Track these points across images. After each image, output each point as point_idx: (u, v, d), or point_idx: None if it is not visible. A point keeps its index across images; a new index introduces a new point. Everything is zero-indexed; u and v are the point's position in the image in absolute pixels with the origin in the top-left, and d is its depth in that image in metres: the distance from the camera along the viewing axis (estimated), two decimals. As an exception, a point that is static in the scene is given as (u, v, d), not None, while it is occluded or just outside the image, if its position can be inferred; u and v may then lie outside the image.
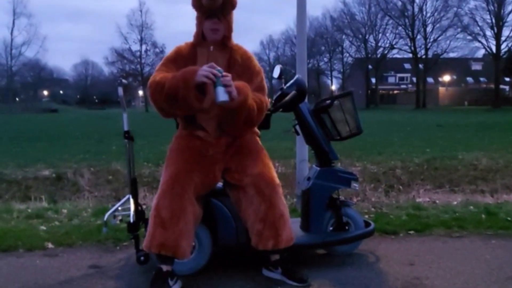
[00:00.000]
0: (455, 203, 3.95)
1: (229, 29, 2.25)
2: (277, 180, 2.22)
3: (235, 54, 2.27)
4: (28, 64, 55.91)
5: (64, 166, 7.28)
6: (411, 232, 3.08)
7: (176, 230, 2.03)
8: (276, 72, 2.71)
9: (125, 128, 2.54)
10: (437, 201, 4.12)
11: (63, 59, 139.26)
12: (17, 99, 58.36)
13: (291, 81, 2.68)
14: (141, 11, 50.62)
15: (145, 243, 2.09)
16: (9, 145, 11.04)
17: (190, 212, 2.09)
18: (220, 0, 2.13)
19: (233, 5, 2.23)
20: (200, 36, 2.26)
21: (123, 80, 2.71)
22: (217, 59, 2.20)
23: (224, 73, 2.03)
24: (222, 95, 1.99)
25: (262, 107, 2.22)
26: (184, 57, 2.24)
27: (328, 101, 2.65)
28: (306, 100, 2.68)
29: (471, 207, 3.71)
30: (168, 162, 2.22)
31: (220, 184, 2.40)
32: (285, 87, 2.66)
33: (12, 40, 51.49)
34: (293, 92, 2.57)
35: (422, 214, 3.48)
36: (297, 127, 2.72)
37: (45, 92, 68.96)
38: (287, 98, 2.56)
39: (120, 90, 2.53)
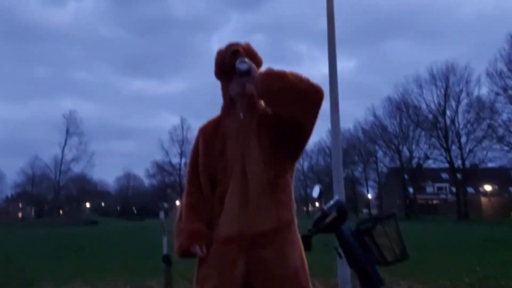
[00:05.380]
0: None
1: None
2: None
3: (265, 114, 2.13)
4: (75, 179, 58.61)
5: (100, 283, 7.20)
6: None
7: None
8: (316, 192, 2.72)
9: (164, 252, 2.57)
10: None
11: (107, 172, 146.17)
12: (61, 211, 60.23)
13: (331, 202, 2.67)
14: (182, 127, 53.76)
15: None
16: (49, 260, 11.16)
17: None
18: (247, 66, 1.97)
19: (258, 62, 2.09)
20: (229, 103, 2.11)
21: (165, 205, 2.82)
22: (248, 130, 2.09)
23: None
24: (240, 64, 1.94)
25: (309, 81, 1.96)
26: (209, 140, 2.09)
27: (370, 223, 2.60)
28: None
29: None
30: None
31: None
32: (325, 208, 2.65)
33: (62, 157, 54.88)
34: (334, 214, 2.55)
35: None
36: (340, 250, 2.64)
37: (88, 204, 71.15)
38: (328, 220, 2.54)
39: (162, 214, 2.62)
